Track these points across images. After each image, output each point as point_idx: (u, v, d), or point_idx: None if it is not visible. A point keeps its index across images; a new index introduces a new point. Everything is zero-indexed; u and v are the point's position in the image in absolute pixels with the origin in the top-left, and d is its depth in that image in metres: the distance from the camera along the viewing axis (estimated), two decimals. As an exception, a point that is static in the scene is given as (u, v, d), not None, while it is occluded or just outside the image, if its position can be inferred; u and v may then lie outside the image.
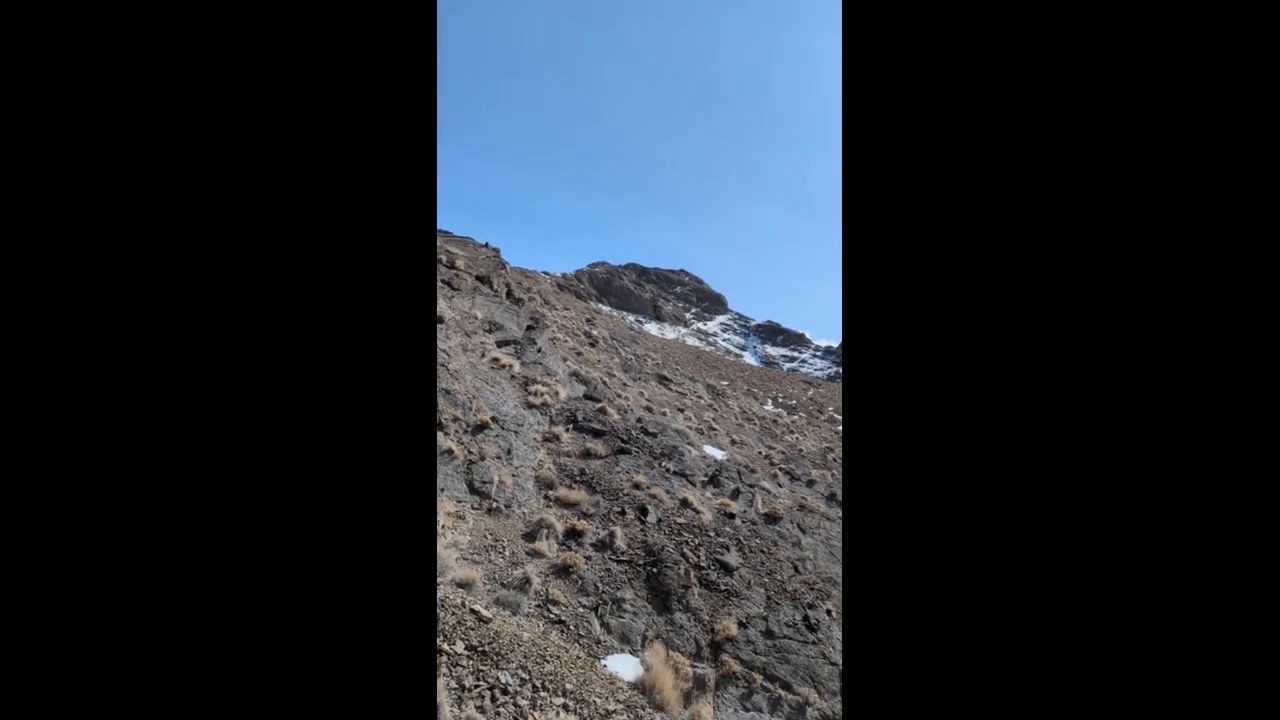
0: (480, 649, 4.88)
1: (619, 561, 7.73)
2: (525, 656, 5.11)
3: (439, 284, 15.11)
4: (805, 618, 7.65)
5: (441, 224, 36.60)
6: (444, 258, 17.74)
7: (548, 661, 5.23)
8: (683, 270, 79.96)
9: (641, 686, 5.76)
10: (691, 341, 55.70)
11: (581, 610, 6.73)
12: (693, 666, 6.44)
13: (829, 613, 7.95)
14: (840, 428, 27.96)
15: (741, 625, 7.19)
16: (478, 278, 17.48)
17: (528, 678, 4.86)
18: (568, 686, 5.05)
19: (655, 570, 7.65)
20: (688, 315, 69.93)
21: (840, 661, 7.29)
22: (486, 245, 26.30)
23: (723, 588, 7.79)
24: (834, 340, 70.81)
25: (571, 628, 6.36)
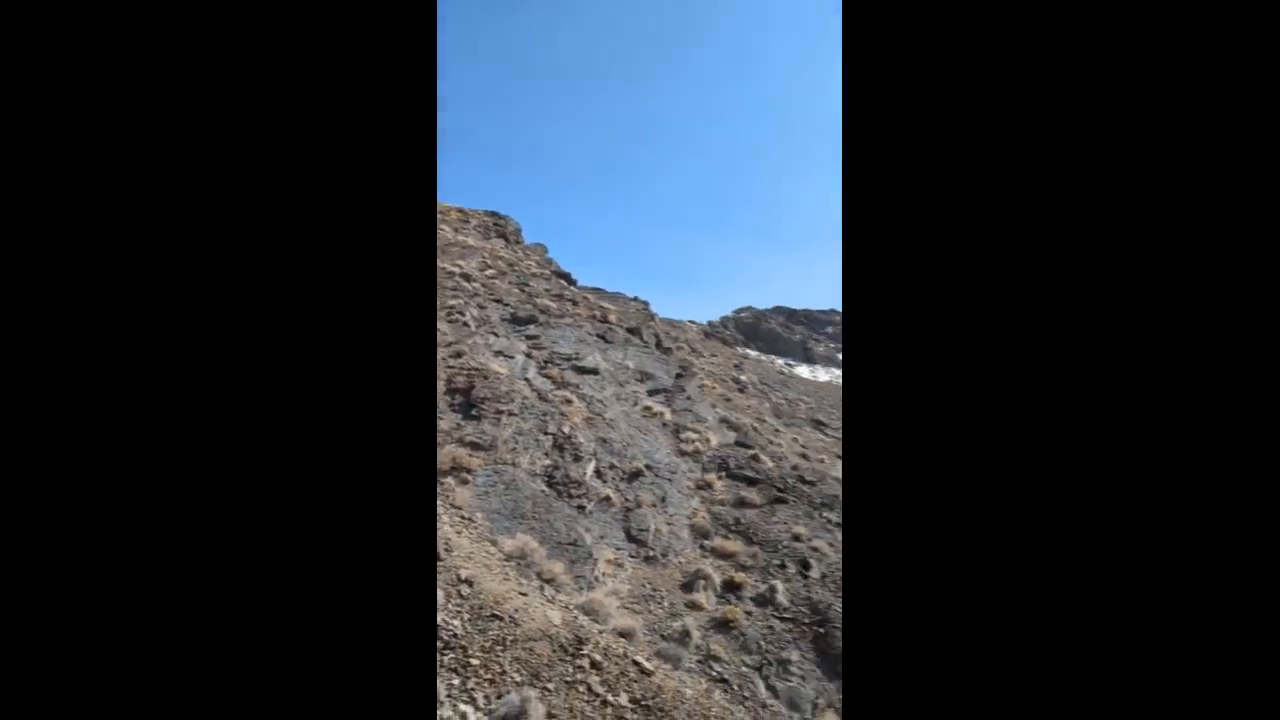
0: (644, 703, 4.83)
1: (782, 619, 7.32)
2: (689, 715, 4.95)
3: (594, 337, 16.00)
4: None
5: (595, 282, 38.99)
6: (597, 313, 18.82)
7: (712, 722, 5.03)
8: (833, 310, 76.74)
9: (814, 761, 5.30)
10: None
11: (745, 669, 6.42)
12: (872, 744, 5.81)
13: (1038, 695, 6.78)
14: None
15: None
16: (629, 330, 18.24)
17: (692, 738, 4.69)
18: (734, 752, 4.79)
19: (822, 630, 7.11)
20: (841, 356, 66.54)
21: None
22: (635, 299, 27.49)
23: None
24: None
25: (735, 688, 6.08)
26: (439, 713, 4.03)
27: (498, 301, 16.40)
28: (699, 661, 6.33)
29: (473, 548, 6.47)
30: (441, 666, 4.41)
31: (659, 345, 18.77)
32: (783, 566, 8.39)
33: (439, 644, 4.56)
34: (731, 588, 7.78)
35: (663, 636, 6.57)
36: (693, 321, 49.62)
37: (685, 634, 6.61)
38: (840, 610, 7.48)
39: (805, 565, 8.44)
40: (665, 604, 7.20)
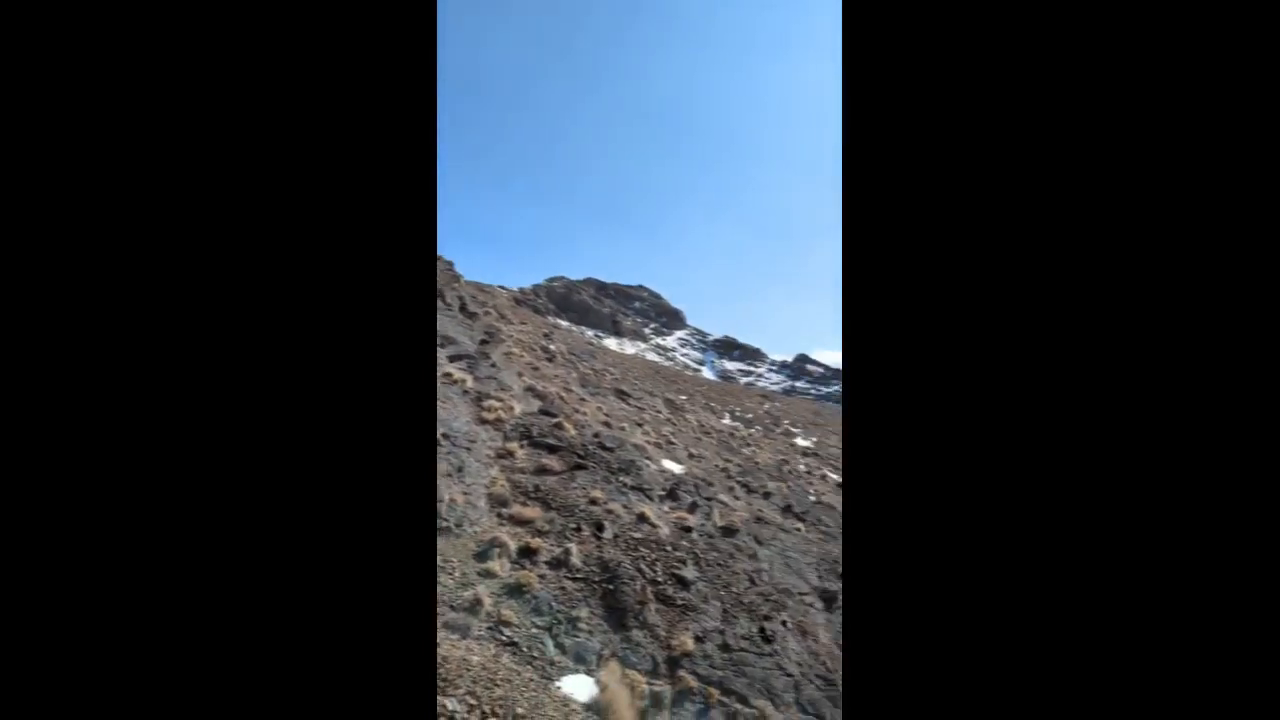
0: (426, 675, 4.67)
1: (574, 579, 7.59)
2: (474, 681, 4.92)
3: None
4: (761, 630, 7.65)
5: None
6: (395, 271, 17.34)
7: (498, 686, 5.06)
8: (642, 286, 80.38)
9: (596, 707, 5.63)
10: (651, 356, 55.89)
11: (535, 631, 6.55)
12: (649, 684, 6.34)
13: (784, 624, 7.98)
14: (797, 440, 28.37)
15: (698, 640, 7.13)
16: (431, 292, 17.12)
17: (476, 703, 4.67)
18: (518, 711, 4.88)
19: (611, 587, 7.54)
20: (647, 330, 70.19)
21: (795, 673, 7.30)
22: (439, 259, 25.88)
23: (680, 602, 7.72)
24: (789, 355, 72.31)
25: (524, 649, 6.18)
26: None
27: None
28: (489, 628, 6.30)
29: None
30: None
31: (463, 309, 17.96)
32: (578, 529, 8.68)
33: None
34: (527, 553, 7.85)
35: (452, 607, 6.41)
36: (503, 287, 48.35)
37: (476, 602, 6.53)
38: (629, 566, 7.99)
39: (599, 527, 8.83)
40: (457, 574, 7.02)
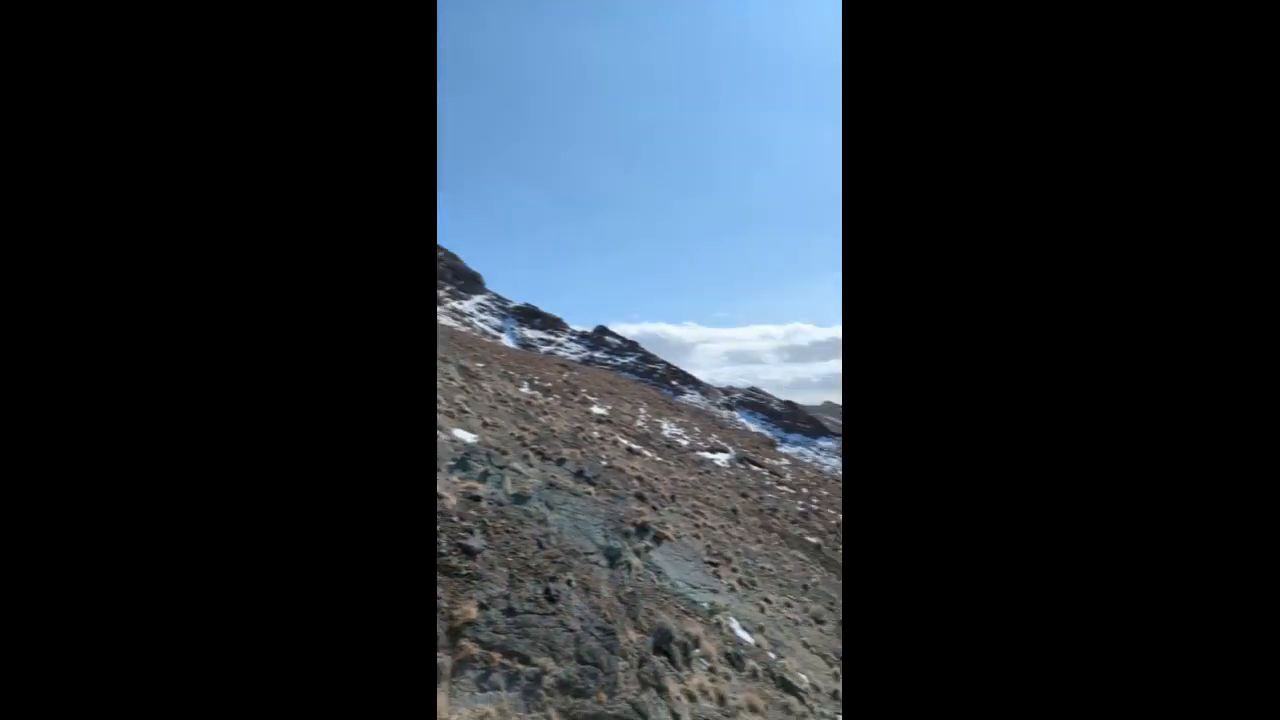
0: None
1: (346, 558, 7.02)
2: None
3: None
4: (546, 590, 7.90)
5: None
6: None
7: (244, 683, 4.49)
8: (442, 248, 75.58)
9: (367, 689, 5.32)
10: (446, 321, 53.12)
11: (296, 618, 5.93)
12: (428, 658, 6.17)
13: (569, 583, 8.32)
14: (593, 409, 29.45)
15: (482, 607, 7.11)
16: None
17: (214, 706, 4.10)
18: (270, 706, 4.41)
19: (389, 563, 7.13)
20: (442, 293, 66.43)
21: (577, 628, 7.69)
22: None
23: (465, 572, 7.60)
24: (589, 326, 74.28)
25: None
26: None
27: None
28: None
29: None
30: None
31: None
32: (353, 505, 8.03)
33: None
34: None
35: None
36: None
37: (220, 594, 5.69)
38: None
39: (378, 501, 8.27)
40: (194, 565, 6.03)
